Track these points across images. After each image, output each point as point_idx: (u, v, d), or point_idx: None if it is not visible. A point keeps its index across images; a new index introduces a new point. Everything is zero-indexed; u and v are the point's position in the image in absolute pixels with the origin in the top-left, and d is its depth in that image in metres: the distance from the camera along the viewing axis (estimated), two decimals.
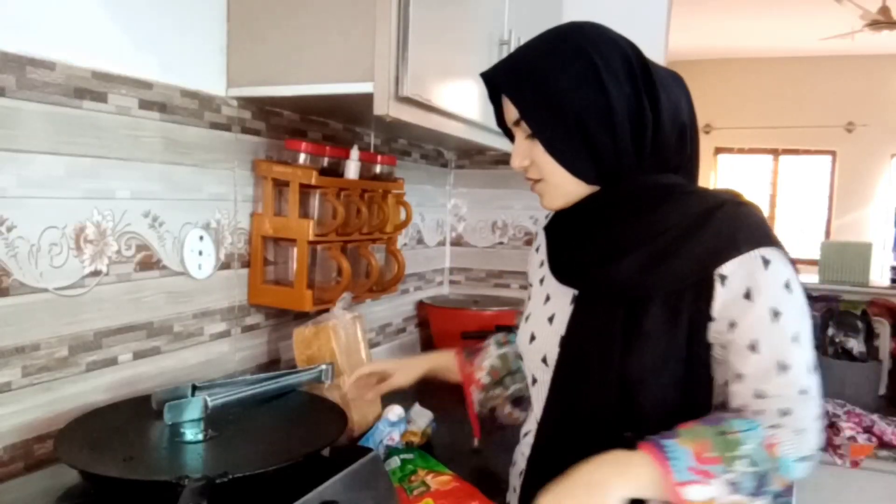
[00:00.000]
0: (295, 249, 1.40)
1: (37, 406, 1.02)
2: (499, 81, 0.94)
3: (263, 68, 1.30)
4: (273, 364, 1.51)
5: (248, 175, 1.40)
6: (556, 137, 0.89)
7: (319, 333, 1.31)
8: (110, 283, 1.12)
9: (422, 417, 1.29)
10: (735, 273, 0.83)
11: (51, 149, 1.01)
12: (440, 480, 1.03)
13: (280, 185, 1.40)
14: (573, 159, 0.89)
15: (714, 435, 0.77)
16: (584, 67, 0.86)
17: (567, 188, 0.92)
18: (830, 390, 1.91)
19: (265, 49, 1.29)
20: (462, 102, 1.46)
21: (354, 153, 1.47)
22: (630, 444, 0.80)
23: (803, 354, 0.82)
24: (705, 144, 7.05)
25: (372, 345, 1.84)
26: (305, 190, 1.40)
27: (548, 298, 1.01)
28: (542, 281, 1.04)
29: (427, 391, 1.32)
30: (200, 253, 1.29)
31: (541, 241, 1.09)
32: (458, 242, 2.41)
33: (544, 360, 0.97)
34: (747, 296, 0.82)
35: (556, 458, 0.87)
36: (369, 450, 1.02)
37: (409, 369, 1.22)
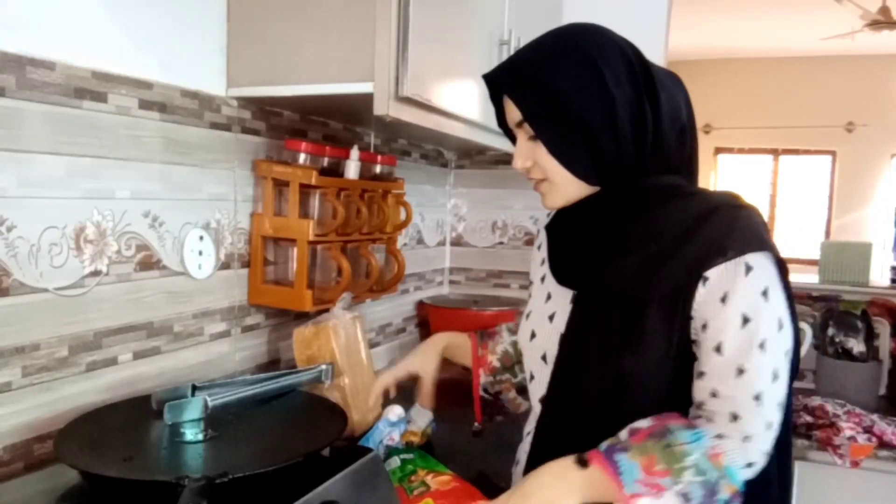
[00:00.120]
0: (295, 249, 1.40)
1: (37, 406, 1.02)
2: (502, 83, 0.94)
3: (263, 68, 1.30)
4: (273, 364, 1.51)
5: (248, 175, 1.40)
6: (559, 139, 0.89)
7: (319, 333, 1.31)
8: (110, 283, 1.12)
9: (422, 417, 1.29)
10: (717, 277, 0.84)
11: (51, 149, 1.01)
12: (440, 480, 1.03)
13: (280, 185, 1.40)
14: (575, 161, 0.90)
15: (660, 449, 0.80)
16: (588, 70, 0.87)
17: (569, 188, 0.93)
18: (830, 390, 1.91)
19: (265, 49, 1.29)
20: (462, 102, 1.46)
21: (354, 153, 1.47)
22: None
23: (766, 362, 0.83)
24: (705, 144, 7.06)
25: (372, 345, 1.84)
26: (305, 190, 1.40)
27: (549, 297, 1.02)
28: (543, 279, 1.05)
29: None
30: (200, 253, 1.29)
31: (542, 239, 1.10)
32: (458, 242, 2.41)
33: (543, 358, 0.99)
34: (723, 299, 0.84)
35: (554, 453, 0.89)
36: (369, 450, 1.03)
37: (428, 362, 1.20)
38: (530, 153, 0.93)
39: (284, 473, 0.86)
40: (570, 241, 0.97)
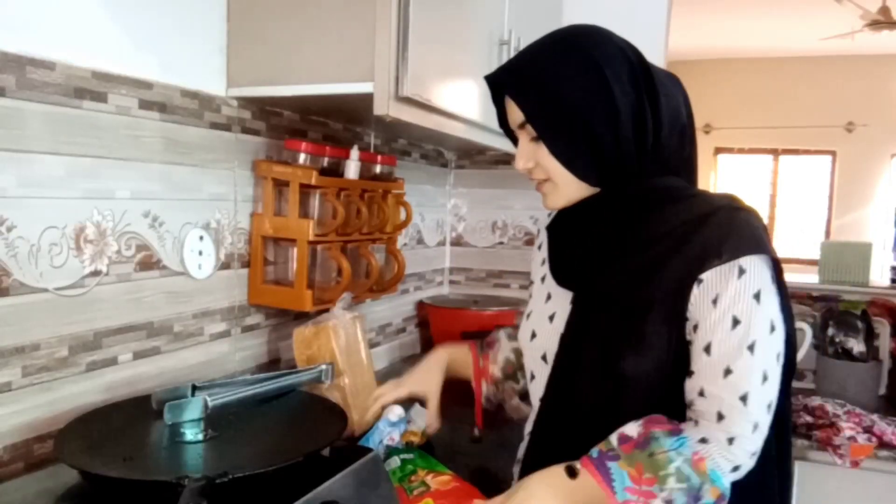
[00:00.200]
0: (295, 249, 1.40)
1: (37, 406, 1.02)
2: (504, 85, 0.94)
3: (263, 68, 1.30)
4: (273, 364, 1.51)
5: (248, 175, 1.40)
6: (562, 141, 0.90)
7: (319, 333, 1.31)
8: (110, 283, 1.12)
9: (422, 417, 1.29)
10: (711, 279, 0.85)
11: (51, 149, 1.01)
12: (440, 480, 1.03)
13: (280, 185, 1.40)
14: (578, 162, 0.90)
15: (645, 458, 0.81)
16: (590, 71, 0.87)
17: (571, 189, 0.93)
18: (830, 390, 1.91)
19: (265, 49, 1.29)
20: (462, 102, 1.46)
21: (354, 153, 1.47)
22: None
23: (755, 363, 0.83)
24: (705, 144, 7.06)
25: (372, 345, 1.84)
26: (305, 190, 1.40)
27: (549, 297, 1.03)
28: (543, 279, 1.06)
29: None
30: (200, 253, 1.29)
31: (543, 239, 1.10)
32: (458, 242, 2.41)
33: (544, 358, 0.99)
34: (714, 301, 0.85)
35: (551, 452, 0.91)
36: (369, 450, 1.03)
37: (432, 382, 1.21)
38: (532, 154, 0.94)
39: (284, 473, 0.86)
40: (570, 242, 0.98)
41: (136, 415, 1.04)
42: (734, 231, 0.86)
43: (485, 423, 1.20)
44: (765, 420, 0.84)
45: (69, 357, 1.06)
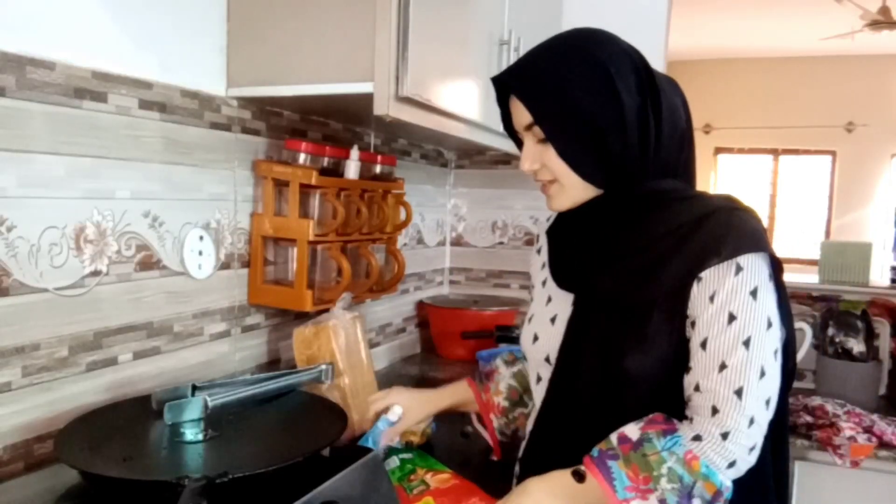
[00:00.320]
0: (295, 249, 1.40)
1: (37, 406, 1.02)
2: (512, 86, 0.94)
3: (263, 68, 1.30)
4: (273, 364, 1.51)
5: (248, 175, 1.40)
6: (570, 143, 0.90)
7: (319, 333, 1.31)
8: (110, 283, 1.12)
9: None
10: (709, 277, 0.86)
11: (51, 149, 1.01)
12: (440, 479, 1.03)
13: (280, 185, 1.40)
14: (585, 164, 0.91)
15: (639, 458, 0.82)
16: (599, 75, 0.88)
17: (576, 191, 0.94)
18: (830, 390, 1.91)
19: (265, 49, 1.29)
20: (462, 102, 1.46)
21: (354, 153, 1.47)
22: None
23: (751, 358, 0.83)
24: (705, 144, 7.06)
25: (372, 345, 1.84)
26: (305, 190, 1.40)
27: (549, 300, 1.03)
28: (544, 283, 1.07)
29: None
30: (200, 253, 1.29)
31: (542, 243, 1.11)
32: (458, 242, 2.41)
33: (547, 360, 1.00)
34: (711, 298, 0.86)
35: (552, 451, 0.92)
36: (369, 450, 1.03)
37: (425, 406, 1.21)
38: (538, 156, 0.94)
39: (284, 473, 0.86)
40: (570, 244, 0.99)
41: (136, 415, 1.04)
42: (732, 230, 0.86)
43: (502, 450, 1.20)
44: (762, 415, 0.84)
45: (69, 357, 1.06)
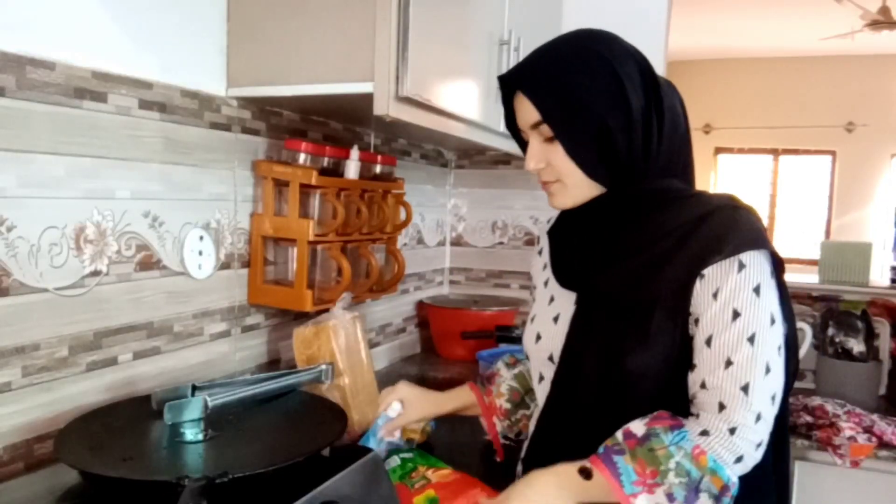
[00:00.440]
0: (295, 249, 1.40)
1: (37, 406, 1.02)
2: (520, 84, 0.94)
3: (263, 68, 1.30)
4: (273, 364, 1.51)
5: (248, 175, 1.40)
6: (578, 140, 0.91)
7: (319, 333, 1.31)
8: (110, 283, 1.12)
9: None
10: (712, 274, 0.87)
11: (51, 149, 1.01)
12: (441, 474, 1.04)
13: (280, 185, 1.40)
14: (591, 162, 0.92)
15: (645, 453, 0.82)
16: (606, 75, 0.89)
17: (581, 190, 0.95)
18: (830, 390, 1.91)
19: (265, 49, 1.29)
20: (462, 102, 1.46)
21: (354, 153, 1.47)
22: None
23: (756, 354, 0.84)
24: (705, 144, 7.06)
25: (372, 345, 1.84)
26: (305, 190, 1.40)
27: (552, 299, 1.04)
28: (546, 283, 1.07)
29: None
30: (200, 253, 1.29)
31: (543, 244, 1.11)
32: (458, 242, 2.41)
33: (550, 358, 1.00)
34: (714, 294, 0.86)
35: (555, 450, 0.92)
36: (369, 450, 1.03)
37: (426, 406, 1.21)
38: (544, 155, 0.94)
39: (284, 473, 0.86)
40: (573, 243, 0.99)
41: (136, 415, 1.04)
42: (734, 228, 0.87)
43: (505, 453, 1.20)
44: (769, 411, 0.85)
45: (69, 357, 1.06)
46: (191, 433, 0.97)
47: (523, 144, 1.00)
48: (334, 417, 1.06)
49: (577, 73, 0.90)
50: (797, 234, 6.92)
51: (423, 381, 1.31)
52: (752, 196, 6.78)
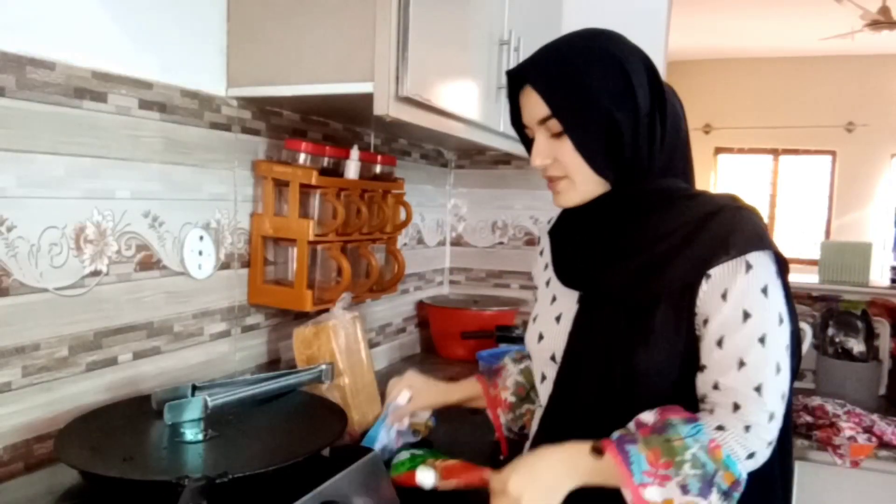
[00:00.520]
0: (295, 249, 1.40)
1: (37, 406, 1.02)
2: (531, 78, 0.94)
3: (263, 68, 1.30)
4: (273, 364, 1.51)
5: (248, 175, 1.40)
6: (587, 135, 0.91)
7: (319, 333, 1.31)
8: (110, 283, 1.12)
9: (422, 412, 1.28)
10: (719, 274, 0.87)
11: (51, 149, 1.01)
12: (449, 463, 1.04)
13: (280, 185, 1.40)
14: (599, 158, 0.92)
15: (662, 442, 0.82)
16: (616, 71, 0.90)
17: (587, 187, 0.95)
18: (830, 390, 1.91)
19: (265, 49, 1.29)
20: (462, 102, 1.46)
21: (354, 153, 1.47)
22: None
23: (767, 355, 0.85)
24: (705, 144, 7.06)
25: (372, 345, 1.84)
26: (305, 190, 1.40)
27: (554, 299, 1.04)
28: (547, 283, 1.07)
29: None
30: (200, 253, 1.29)
31: (544, 244, 1.11)
32: (458, 242, 2.41)
33: (553, 358, 1.00)
34: (723, 296, 0.87)
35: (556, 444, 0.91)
36: (369, 450, 1.03)
37: (434, 394, 1.22)
38: (550, 151, 0.94)
39: (284, 473, 0.86)
40: (575, 242, 0.99)
41: (136, 415, 1.04)
42: (739, 228, 0.88)
43: (509, 449, 1.20)
44: (780, 410, 0.86)
45: (69, 357, 1.06)
46: (191, 433, 0.97)
47: (527, 142, 0.99)
48: (334, 417, 1.07)
49: (587, 68, 0.90)
50: (797, 234, 6.92)
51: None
52: (752, 196, 6.77)
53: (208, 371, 1.33)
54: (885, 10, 4.52)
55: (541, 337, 1.03)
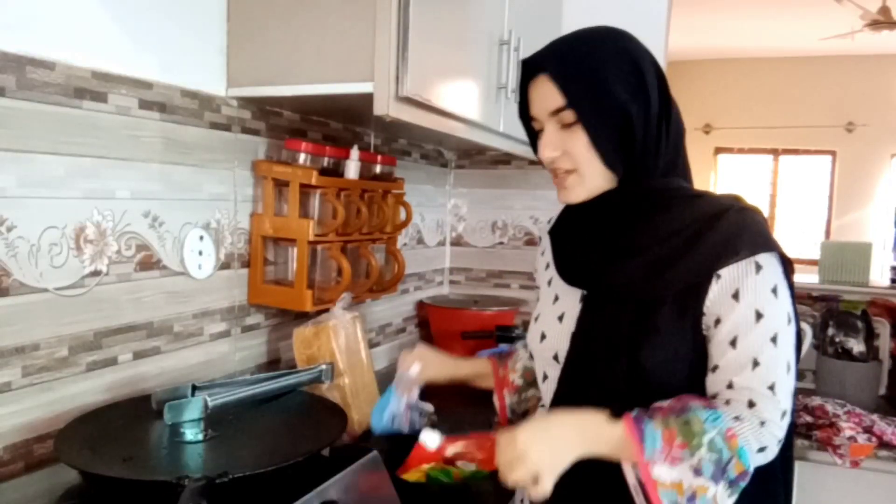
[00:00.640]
0: (295, 249, 1.40)
1: (37, 406, 1.02)
2: (547, 68, 0.93)
3: (263, 68, 1.30)
4: (273, 364, 1.51)
5: (248, 175, 1.40)
6: (601, 127, 0.91)
7: (319, 333, 1.31)
8: (110, 283, 1.12)
9: (424, 407, 1.28)
10: (729, 275, 0.88)
11: (51, 149, 1.01)
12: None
13: (280, 185, 1.40)
14: (611, 151, 0.92)
15: (680, 424, 0.83)
16: (630, 67, 0.91)
17: (595, 182, 0.95)
18: (830, 390, 1.91)
19: (265, 49, 1.29)
20: (462, 102, 1.46)
21: (354, 153, 1.47)
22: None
23: (779, 354, 0.86)
24: (705, 144, 7.06)
25: (372, 345, 1.84)
26: (305, 190, 1.40)
27: (556, 298, 1.04)
28: (549, 282, 1.08)
29: (428, 391, 1.31)
30: (200, 253, 1.29)
31: (546, 244, 1.11)
32: (458, 242, 2.41)
33: (555, 357, 1.00)
34: (735, 296, 0.87)
35: None
36: (369, 450, 1.02)
37: (444, 366, 1.21)
38: (560, 143, 0.94)
39: (284, 473, 0.86)
40: (578, 240, 0.99)
41: (136, 415, 1.04)
42: (747, 229, 0.89)
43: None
44: (790, 408, 0.87)
45: (69, 357, 1.06)
46: (191, 433, 0.97)
47: (533, 135, 0.99)
48: (334, 417, 1.07)
49: (605, 61, 0.91)
50: (797, 234, 6.91)
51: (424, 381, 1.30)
52: (753, 196, 6.74)
53: (208, 371, 1.33)
54: (885, 10, 4.52)
55: (543, 336, 1.03)
